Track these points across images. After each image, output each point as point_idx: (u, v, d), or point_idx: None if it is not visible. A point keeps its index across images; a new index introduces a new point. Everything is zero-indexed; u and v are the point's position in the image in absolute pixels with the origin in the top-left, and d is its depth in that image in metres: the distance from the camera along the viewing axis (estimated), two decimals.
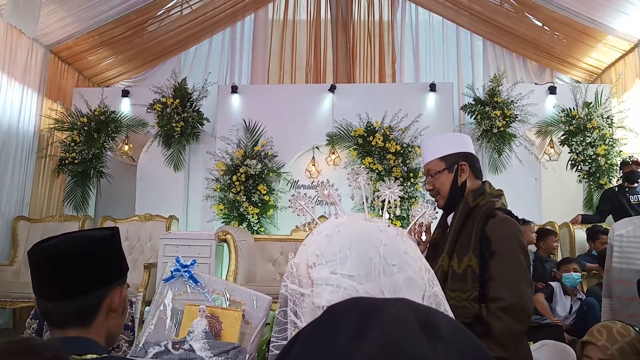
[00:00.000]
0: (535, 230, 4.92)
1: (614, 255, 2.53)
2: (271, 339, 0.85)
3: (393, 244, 0.80)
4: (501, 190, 1.91)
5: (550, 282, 4.36)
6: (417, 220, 1.06)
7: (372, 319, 0.48)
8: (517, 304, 1.61)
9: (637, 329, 1.75)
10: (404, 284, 0.77)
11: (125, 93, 6.81)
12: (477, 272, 1.69)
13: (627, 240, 2.50)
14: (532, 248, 4.85)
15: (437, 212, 1.45)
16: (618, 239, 2.54)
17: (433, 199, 1.95)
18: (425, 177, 1.97)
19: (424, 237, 1.83)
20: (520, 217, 1.99)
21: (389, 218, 0.94)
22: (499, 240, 1.69)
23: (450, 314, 0.87)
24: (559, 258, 5.12)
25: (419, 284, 0.80)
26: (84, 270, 1.15)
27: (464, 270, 1.72)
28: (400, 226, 5.54)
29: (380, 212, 0.95)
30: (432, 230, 1.97)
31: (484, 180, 1.94)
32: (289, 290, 0.81)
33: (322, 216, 4.55)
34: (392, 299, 0.53)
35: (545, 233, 4.86)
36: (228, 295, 2.10)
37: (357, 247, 0.78)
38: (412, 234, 1.72)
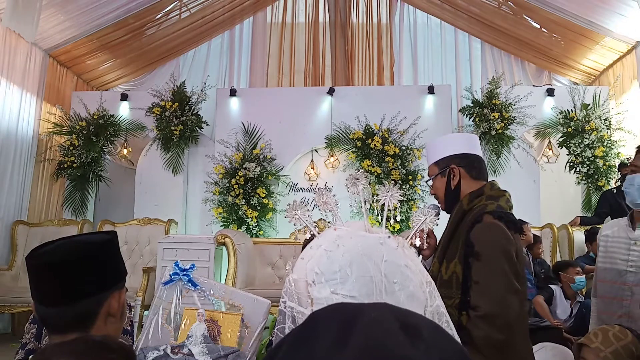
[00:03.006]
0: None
1: (599, 255, 2.56)
2: (271, 344, 0.85)
3: (394, 258, 0.79)
4: (503, 191, 1.80)
5: (550, 285, 4.35)
6: (418, 227, 1.05)
7: (354, 324, 0.48)
8: (496, 312, 1.55)
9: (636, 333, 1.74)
10: (406, 300, 0.76)
11: (124, 97, 6.81)
12: (461, 279, 1.65)
13: (612, 240, 2.51)
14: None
15: (438, 218, 1.44)
16: (604, 239, 2.56)
17: (437, 202, 1.95)
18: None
19: (425, 245, 1.80)
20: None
21: (388, 221, 0.94)
22: (482, 247, 1.63)
23: (452, 326, 0.87)
24: (547, 260, 5.12)
25: (420, 298, 0.80)
26: (83, 275, 1.15)
27: (449, 277, 1.68)
28: (400, 229, 5.54)
29: (380, 216, 0.95)
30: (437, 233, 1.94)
31: (490, 180, 1.86)
32: (288, 308, 0.80)
33: (320, 219, 4.55)
34: (373, 304, 0.53)
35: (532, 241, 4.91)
36: (227, 299, 2.10)
37: (357, 264, 0.77)
38: (414, 239, 1.71)
